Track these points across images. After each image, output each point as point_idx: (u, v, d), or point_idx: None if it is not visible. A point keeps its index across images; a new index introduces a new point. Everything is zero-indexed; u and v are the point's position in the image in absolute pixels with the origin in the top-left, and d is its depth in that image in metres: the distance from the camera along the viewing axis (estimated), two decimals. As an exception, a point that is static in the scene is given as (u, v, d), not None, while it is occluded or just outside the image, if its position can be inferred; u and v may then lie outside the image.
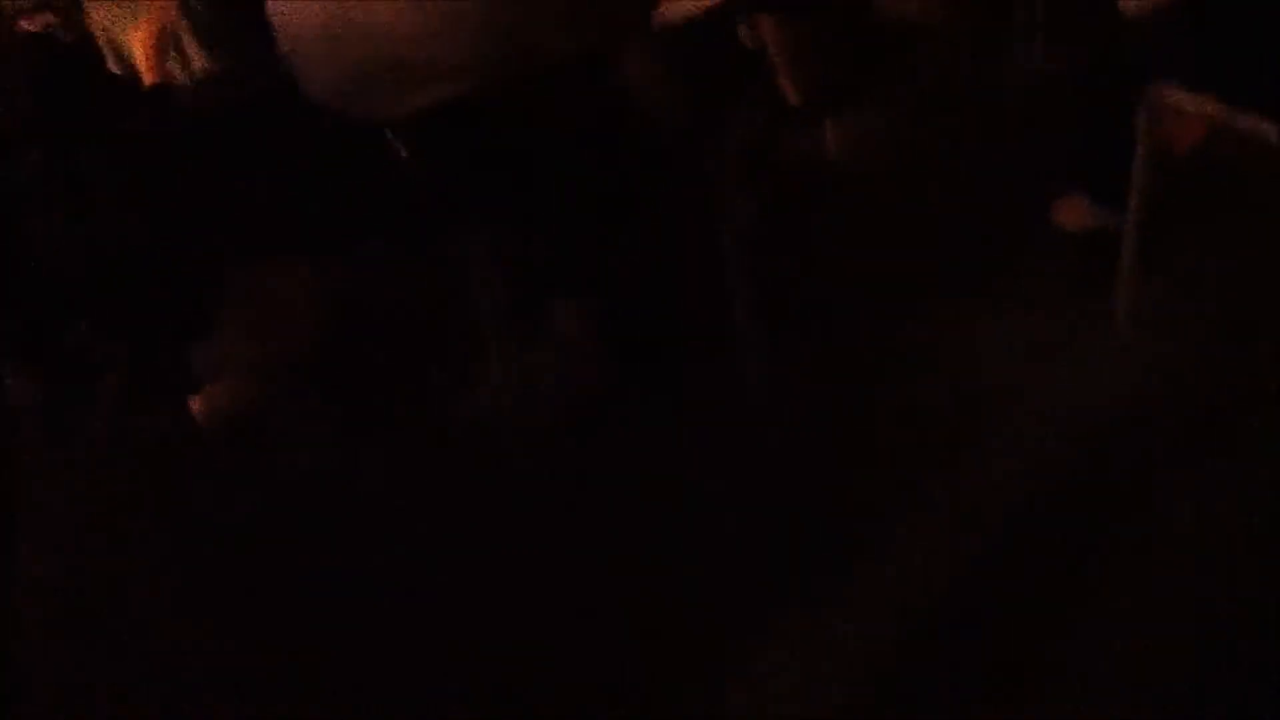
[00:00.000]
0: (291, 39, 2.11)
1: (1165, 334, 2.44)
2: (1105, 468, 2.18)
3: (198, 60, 2.97)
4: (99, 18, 3.02)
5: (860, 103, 3.16)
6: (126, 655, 2.37)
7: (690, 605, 2.11)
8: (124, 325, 2.62)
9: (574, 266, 2.87)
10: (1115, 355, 2.44)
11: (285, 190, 2.68)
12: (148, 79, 2.91)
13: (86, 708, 2.27)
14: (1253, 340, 2.37)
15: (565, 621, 2.15)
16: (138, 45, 3.01)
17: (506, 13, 2.07)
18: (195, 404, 2.81)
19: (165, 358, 2.70)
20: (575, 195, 2.42)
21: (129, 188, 2.55)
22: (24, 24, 2.79)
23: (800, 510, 2.27)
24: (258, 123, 2.65)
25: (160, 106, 2.71)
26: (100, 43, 2.99)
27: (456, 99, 2.16)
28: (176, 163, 2.59)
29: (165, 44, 2.96)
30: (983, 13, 3.49)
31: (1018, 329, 2.54)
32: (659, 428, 2.56)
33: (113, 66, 2.95)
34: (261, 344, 2.80)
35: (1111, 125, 2.36)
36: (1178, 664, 1.83)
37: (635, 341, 2.82)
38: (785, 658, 1.99)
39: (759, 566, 2.17)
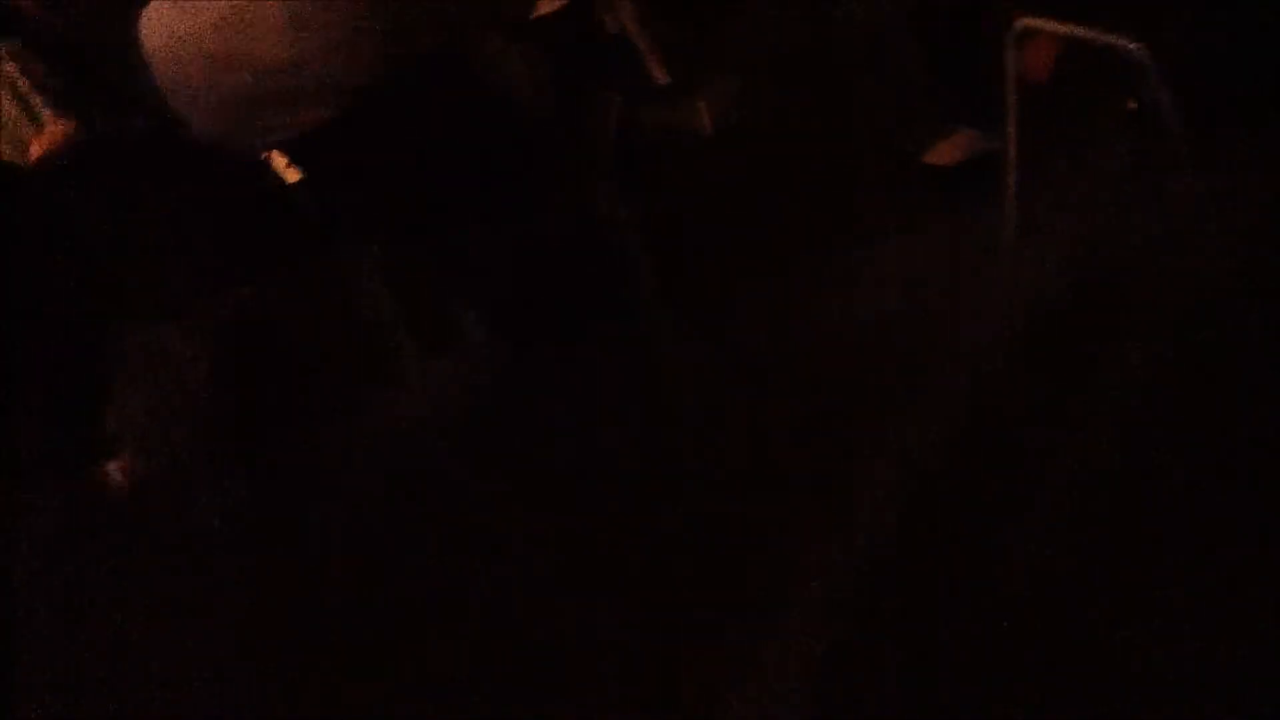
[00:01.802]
0: (173, 77, 2.09)
1: (1051, 246, 2.52)
2: (1011, 378, 2.25)
3: (51, 124, 2.89)
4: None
5: (721, 72, 3.23)
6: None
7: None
8: (23, 396, 2.54)
9: (465, 267, 2.87)
10: (1006, 271, 2.53)
11: (165, 238, 2.63)
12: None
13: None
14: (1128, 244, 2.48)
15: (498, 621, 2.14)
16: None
17: (376, 28, 2.09)
18: (108, 473, 2.73)
19: (67, 431, 2.62)
20: (456, 195, 2.44)
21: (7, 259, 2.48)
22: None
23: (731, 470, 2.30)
24: (129, 175, 2.59)
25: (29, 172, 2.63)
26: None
27: (334, 116, 2.17)
28: (44, 226, 2.53)
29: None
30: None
31: (909, 258, 2.61)
32: (574, 412, 2.58)
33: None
34: (162, 402, 2.73)
35: (976, 55, 2.46)
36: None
37: (537, 332, 2.83)
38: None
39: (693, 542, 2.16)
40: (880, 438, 2.21)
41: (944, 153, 2.75)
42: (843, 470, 2.17)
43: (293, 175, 2.44)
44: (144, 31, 2.09)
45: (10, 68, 2.90)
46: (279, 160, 2.48)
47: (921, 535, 1.98)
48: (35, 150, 2.87)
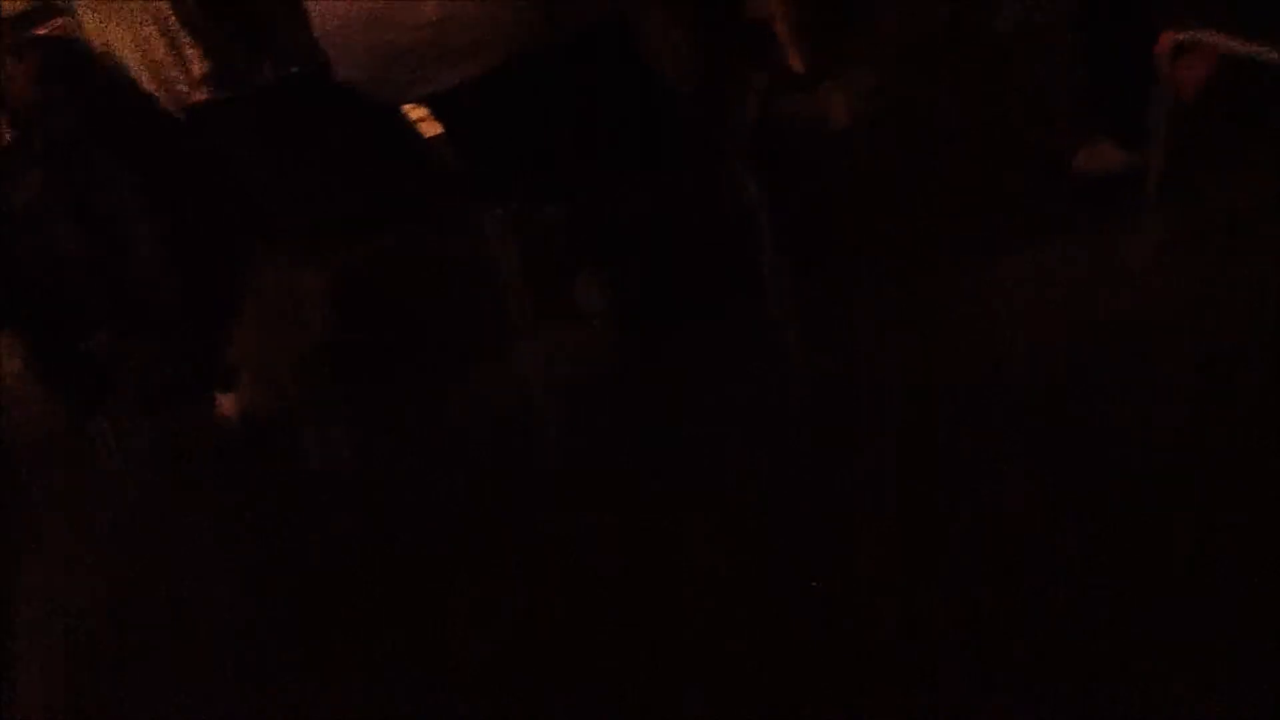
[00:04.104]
0: (329, 25, 2.13)
1: (1185, 270, 2.43)
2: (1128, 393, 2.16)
3: (197, 64, 2.94)
4: (91, 22, 2.99)
5: (859, 64, 3.20)
6: (143, 655, 2.37)
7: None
8: (145, 330, 2.61)
9: (593, 238, 2.88)
10: (1136, 292, 2.43)
11: (300, 181, 2.67)
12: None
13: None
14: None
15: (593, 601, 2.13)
16: (131, 49, 2.98)
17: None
18: (219, 405, 2.80)
19: (188, 360, 2.69)
20: (594, 166, 2.44)
21: (142, 191, 2.54)
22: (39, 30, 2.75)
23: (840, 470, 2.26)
24: (268, 119, 2.64)
25: (168, 109, 2.70)
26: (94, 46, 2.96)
27: (481, 75, 2.19)
28: (188, 164, 2.58)
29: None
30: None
31: (1037, 268, 2.55)
32: (685, 396, 2.57)
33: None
34: (281, 339, 2.79)
35: (1129, 67, 2.39)
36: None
37: (656, 310, 2.83)
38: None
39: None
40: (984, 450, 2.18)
41: (1087, 161, 2.69)
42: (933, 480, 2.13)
43: (431, 129, 2.47)
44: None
45: (163, 4, 2.95)
46: (416, 113, 2.52)
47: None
48: (185, 94, 2.93)
